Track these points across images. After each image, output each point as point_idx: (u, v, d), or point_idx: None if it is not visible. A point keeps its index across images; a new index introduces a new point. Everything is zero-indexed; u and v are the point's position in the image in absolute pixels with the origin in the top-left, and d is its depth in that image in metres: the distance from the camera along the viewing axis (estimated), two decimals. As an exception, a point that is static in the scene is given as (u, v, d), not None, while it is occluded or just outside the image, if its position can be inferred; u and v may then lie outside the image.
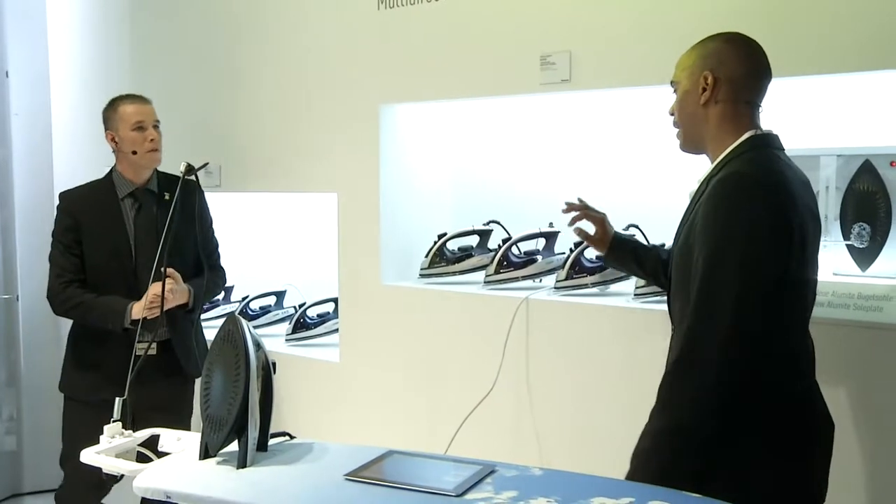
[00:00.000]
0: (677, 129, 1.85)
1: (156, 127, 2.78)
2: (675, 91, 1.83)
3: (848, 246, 2.15)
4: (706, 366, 1.58)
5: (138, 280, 2.69)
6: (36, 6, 4.24)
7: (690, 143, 1.83)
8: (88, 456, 1.76)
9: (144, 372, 2.52)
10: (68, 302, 2.70)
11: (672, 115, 1.85)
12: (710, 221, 1.63)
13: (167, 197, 2.77)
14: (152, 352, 2.63)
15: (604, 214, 2.24)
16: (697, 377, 1.59)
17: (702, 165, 1.82)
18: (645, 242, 2.37)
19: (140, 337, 2.50)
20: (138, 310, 2.59)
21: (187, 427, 2.73)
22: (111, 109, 2.78)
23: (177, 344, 2.79)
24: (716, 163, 1.74)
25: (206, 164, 2.46)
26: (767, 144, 1.73)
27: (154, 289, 2.56)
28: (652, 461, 1.64)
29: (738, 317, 1.57)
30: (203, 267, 2.77)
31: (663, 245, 2.45)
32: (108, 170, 2.84)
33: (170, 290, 2.62)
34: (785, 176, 1.66)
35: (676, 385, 1.63)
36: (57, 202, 2.80)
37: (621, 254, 2.20)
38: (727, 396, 1.58)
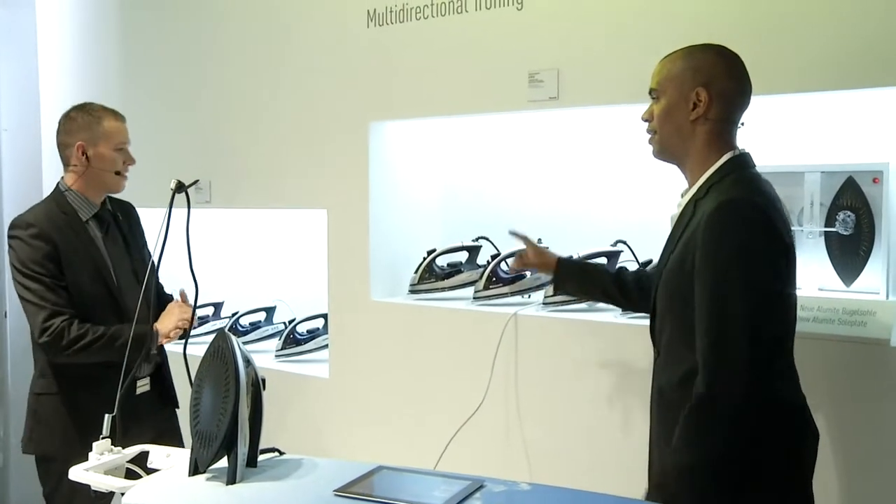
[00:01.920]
0: (652, 136, 1.82)
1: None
2: (654, 98, 1.80)
3: (828, 248, 2.17)
4: (732, 398, 1.57)
5: (126, 306, 2.48)
6: (26, 22, 4.26)
7: (668, 155, 1.81)
8: (77, 473, 1.76)
9: (140, 408, 2.49)
10: (82, 340, 2.34)
11: (647, 121, 1.82)
12: (710, 251, 1.62)
13: (121, 218, 2.63)
14: (146, 388, 2.60)
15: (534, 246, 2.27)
16: (725, 410, 1.58)
17: (683, 184, 1.83)
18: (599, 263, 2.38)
19: (139, 372, 2.48)
20: (165, 331, 2.45)
21: None
22: (90, 120, 2.50)
23: (167, 372, 2.68)
24: (699, 184, 1.74)
25: (197, 181, 2.46)
26: (746, 165, 1.74)
27: (180, 312, 2.48)
28: (682, 497, 1.63)
29: (754, 345, 1.57)
30: (161, 289, 2.72)
31: (650, 262, 2.48)
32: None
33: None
34: (771, 197, 1.68)
35: (702, 420, 1.61)
36: (16, 231, 2.43)
37: (571, 274, 2.21)
38: (754, 424, 1.58)
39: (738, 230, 1.61)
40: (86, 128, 2.50)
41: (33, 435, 2.48)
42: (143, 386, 2.59)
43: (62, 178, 2.57)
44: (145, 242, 2.72)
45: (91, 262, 2.47)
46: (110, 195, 2.63)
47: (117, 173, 2.53)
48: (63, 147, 2.54)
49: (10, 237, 2.46)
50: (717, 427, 1.59)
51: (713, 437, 1.60)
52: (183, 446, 2.52)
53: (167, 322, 2.48)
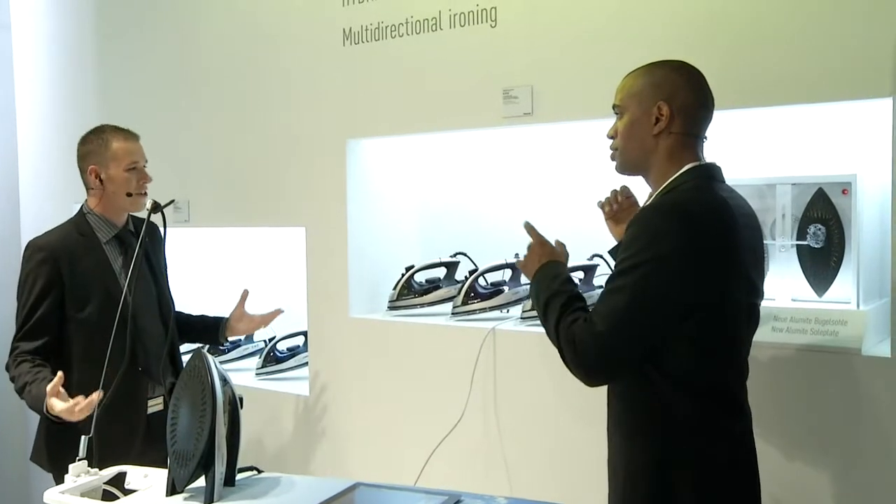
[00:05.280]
0: (614, 152, 1.83)
1: (144, 167, 2.59)
2: (617, 114, 1.82)
3: (800, 259, 2.19)
4: (582, 356, 1.65)
5: (140, 331, 2.48)
6: (2, 45, 4.25)
7: (631, 168, 1.82)
8: (52, 496, 1.75)
9: (153, 429, 2.49)
10: (14, 381, 2.35)
11: (612, 137, 1.84)
12: (626, 241, 1.66)
13: (147, 240, 2.55)
14: (159, 407, 2.57)
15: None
16: (575, 351, 1.66)
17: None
18: None
19: (151, 392, 2.47)
20: (60, 409, 2.14)
21: None
22: (99, 143, 2.52)
23: None
24: (657, 192, 1.75)
25: (173, 201, 2.47)
26: (709, 176, 1.74)
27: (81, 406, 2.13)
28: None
29: (617, 328, 1.61)
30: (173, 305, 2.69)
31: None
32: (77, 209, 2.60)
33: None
34: (714, 207, 1.67)
35: (571, 329, 1.68)
36: (28, 252, 2.48)
37: None
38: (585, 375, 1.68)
39: (655, 230, 1.62)
40: (96, 151, 2.52)
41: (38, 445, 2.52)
42: (155, 405, 2.57)
43: (85, 200, 2.59)
44: (166, 266, 2.70)
45: (103, 286, 2.47)
46: (133, 215, 2.63)
47: (129, 195, 2.52)
48: (81, 172, 2.57)
49: (23, 256, 2.50)
50: (563, 339, 1.69)
51: (560, 331, 1.70)
52: None
53: (64, 410, 2.15)
